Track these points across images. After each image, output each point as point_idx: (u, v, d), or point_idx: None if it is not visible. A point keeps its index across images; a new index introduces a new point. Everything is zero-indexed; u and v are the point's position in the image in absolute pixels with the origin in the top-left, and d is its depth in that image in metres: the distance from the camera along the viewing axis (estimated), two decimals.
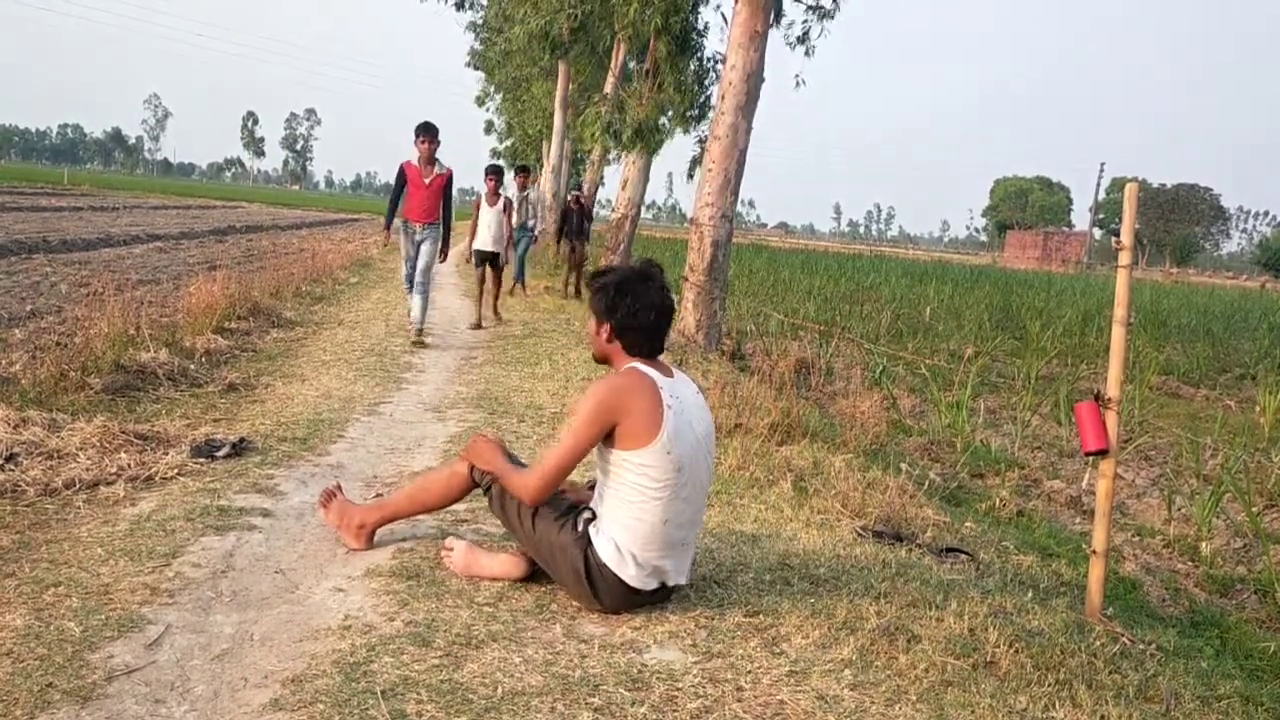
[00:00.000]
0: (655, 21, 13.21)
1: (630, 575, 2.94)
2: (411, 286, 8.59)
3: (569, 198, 16.43)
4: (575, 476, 3.45)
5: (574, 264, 15.10)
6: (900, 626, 2.97)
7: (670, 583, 3.05)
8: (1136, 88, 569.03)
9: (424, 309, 8.64)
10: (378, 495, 4.14)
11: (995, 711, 2.51)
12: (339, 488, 3.65)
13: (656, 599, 3.05)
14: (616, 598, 2.97)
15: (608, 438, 2.94)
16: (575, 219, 15.21)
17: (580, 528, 3.01)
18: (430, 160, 8.45)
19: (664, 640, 2.81)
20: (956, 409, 7.64)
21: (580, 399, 2.94)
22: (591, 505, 3.06)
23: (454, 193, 8.79)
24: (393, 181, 8.74)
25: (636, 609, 3.01)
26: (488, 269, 10.83)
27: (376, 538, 3.48)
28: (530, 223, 14.27)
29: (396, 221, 8.88)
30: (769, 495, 4.53)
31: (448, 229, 8.66)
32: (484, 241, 10.81)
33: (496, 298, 11.06)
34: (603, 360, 3.12)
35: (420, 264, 8.54)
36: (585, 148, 19.35)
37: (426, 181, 8.44)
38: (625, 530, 2.94)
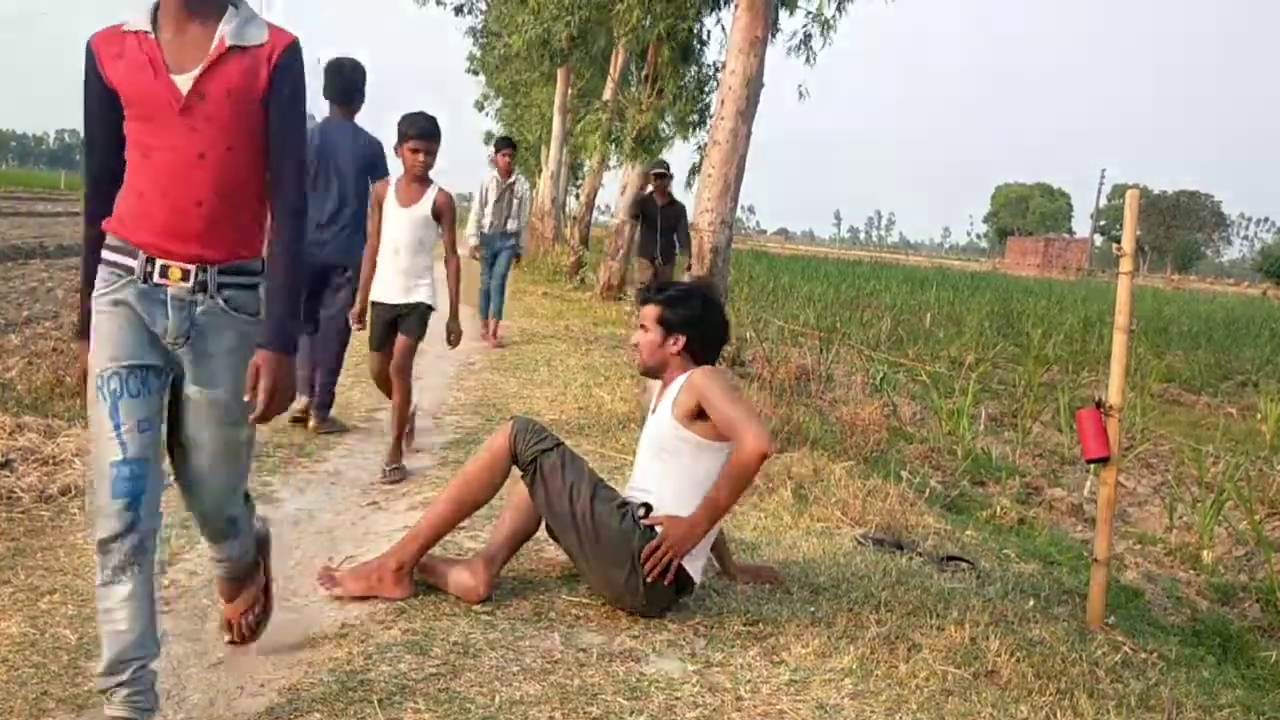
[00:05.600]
0: (658, 29, 13.15)
1: (695, 568, 3.00)
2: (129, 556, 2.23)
3: (648, 184, 10.40)
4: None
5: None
6: (900, 635, 2.96)
7: (697, 579, 3.07)
8: (1137, 93, 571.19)
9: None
10: (372, 503, 4.12)
11: None
12: (328, 570, 3.10)
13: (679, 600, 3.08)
14: (660, 597, 2.96)
15: (710, 427, 2.97)
16: (661, 221, 9.38)
17: (639, 520, 2.96)
18: None
19: (663, 649, 2.80)
20: (957, 416, 7.63)
21: (706, 386, 2.95)
22: (645, 501, 3.02)
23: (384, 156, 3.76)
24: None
25: (663, 614, 3.00)
26: (395, 343, 4.58)
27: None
28: (512, 225, 9.51)
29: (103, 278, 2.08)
30: (768, 503, 4.51)
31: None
32: (390, 285, 4.58)
33: (405, 409, 4.61)
34: (656, 373, 3.19)
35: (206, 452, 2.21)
36: (586, 154, 19.35)
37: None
38: None
